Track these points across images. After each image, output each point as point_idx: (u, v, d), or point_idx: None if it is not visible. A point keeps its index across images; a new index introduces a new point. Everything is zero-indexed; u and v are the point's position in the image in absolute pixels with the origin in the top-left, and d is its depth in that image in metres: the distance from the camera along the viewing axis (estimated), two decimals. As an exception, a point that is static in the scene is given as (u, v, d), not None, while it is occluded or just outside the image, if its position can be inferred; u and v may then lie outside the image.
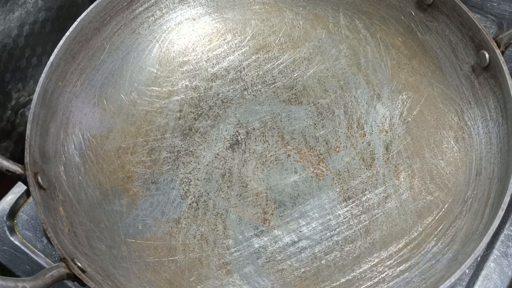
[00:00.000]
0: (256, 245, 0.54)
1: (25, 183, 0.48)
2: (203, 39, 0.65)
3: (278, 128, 0.60)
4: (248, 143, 0.59)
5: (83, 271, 0.45)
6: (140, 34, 0.63)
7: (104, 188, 0.56)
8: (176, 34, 0.65)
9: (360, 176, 0.57)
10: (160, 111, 0.61)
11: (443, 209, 0.54)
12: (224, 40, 0.65)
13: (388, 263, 0.52)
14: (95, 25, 0.58)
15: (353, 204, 0.55)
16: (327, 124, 0.60)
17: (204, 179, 0.57)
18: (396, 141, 0.58)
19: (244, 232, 0.54)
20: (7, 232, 0.58)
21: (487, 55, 0.53)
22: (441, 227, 0.52)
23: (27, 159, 0.48)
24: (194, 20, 0.65)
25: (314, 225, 0.54)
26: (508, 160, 0.50)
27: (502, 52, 0.53)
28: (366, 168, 0.57)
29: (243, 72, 0.64)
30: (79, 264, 0.45)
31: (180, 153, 0.59)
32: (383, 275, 0.51)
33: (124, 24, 0.61)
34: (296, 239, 0.54)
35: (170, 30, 0.64)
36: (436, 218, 0.53)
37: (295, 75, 0.63)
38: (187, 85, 0.63)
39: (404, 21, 0.62)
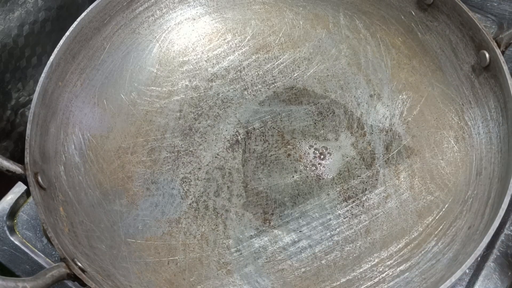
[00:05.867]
0: (256, 245, 0.54)
1: (25, 183, 0.48)
2: (203, 39, 0.65)
3: (278, 128, 0.60)
4: (248, 143, 0.59)
5: (83, 271, 0.45)
6: (140, 34, 0.63)
7: (104, 188, 0.56)
8: (176, 34, 0.65)
9: (360, 176, 0.57)
10: (160, 111, 0.61)
11: (444, 209, 0.54)
12: (224, 40, 0.65)
13: (389, 263, 0.52)
14: (95, 25, 0.58)
15: (353, 204, 0.55)
16: (327, 124, 0.60)
17: (204, 179, 0.57)
18: (396, 141, 0.58)
19: (244, 232, 0.54)
20: (7, 232, 0.58)
21: (487, 55, 0.53)
22: (441, 227, 0.52)
23: (27, 159, 0.48)
24: (194, 20, 0.65)
25: (314, 225, 0.54)
26: (508, 160, 0.50)
27: (502, 52, 0.53)
28: (366, 168, 0.57)
29: (243, 72, 0.64)
30: (79, 264, 0.45)
31: (180, 153, 0.59)
32: (384, 275, 0.51)
33: (124, 24, 0.61)
34: (296, 239, 0.54)
35: (170, 30, 0.64)
36: (437, 218, 0.53)
37: (295, 75, 0.63)
38: (187, 85, 0.63)
39: (404, 21, 0.62)
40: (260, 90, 0.62)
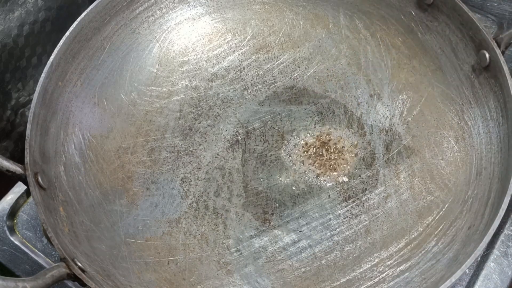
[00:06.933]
0: (256, 245, 0.54)
1: (25, 183, 0.48)
2: (203, 39, 0.65)
3: (278, 128, 0.60)
4: (248, 143, 0.59)
5: (83, 271, 0.45)
6: (140, 34, 0.63)
7: (104, 188, 0.56)
8: (176, 34, 0.65)
9: (360, 176, 0.57)
10: (160, 111, 0.61)
11: (444, 209, 0.54)
12: (224, 40, 0.65)
13: (389, 263, 0.52)
14: (95, 25, 0.58)
15: (353, 204, 0.55)
16: (327, 124, 0.60)
17: (204, 179, 0.57)
18: (396, 141, 0.58)
19: (244, 232, 0.54)
20: (7, 232, 0.58)
21: (487, 55, 0.53)
22: (441, 227, 0.52)
23: (27, 159, 0.48)
24: (194, 20, 0.65)
25: (314, 225, 0.54)
26: (508, 160, 0.50)
27: (502, 52, 0.53)
28: (366, 168, 0.57)
29: (243, 72, 0.64)
30: (79, 264, 0.45)
31: (180, 153, 0.59)
32: (384, 275, 0.51)
33: (124, 24, 0.61)
34: (296, 239, 0.54)
35: (170, 30, 0.64)
36: (437, 218, 0.53)
37: (295, 75, 0.63)
38: (187, 85, 0.63)
39: (404, 21, 0.62)
40: (260, 90, 0.62)
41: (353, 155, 0.58)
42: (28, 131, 0.50)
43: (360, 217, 0.55)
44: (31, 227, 0.58)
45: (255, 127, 0.60)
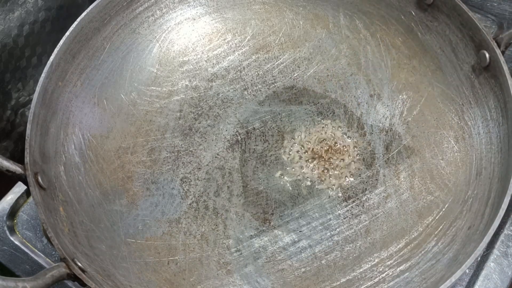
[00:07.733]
0: (256, 245, 0.54)
1: (25, 183, 0.48)
2: (203, 39, 0.65)
3: (278, 128, 0.60)
4: (248, 143, 0.59)
5: (83, 271, 0.45)
6: (140, 34, 0.63)
7: (104, 188, 0.56)
8: (176, 34, 0.65)
9: (360, 176, 0.57)
10: (160, 111, 0.61)
11: (444, 209, 0.54)
12: (224, 40, 0.65)
13: (389, 263, 0.52)
14: (95, 25, 0.58)
15: (353, 204, 0.55)
16: (327, 124, 0.60)
17: (204, 179, 0.57)
18: (396, 141, 0.58)
19: (244, 232, 0.54)
20: (7, 232, 0.58)
21: (487, 55, 0.53)
22: (441, 227, 0.52)
23: (27, 159, 0.48)
24: (194, 20, 0.65)
25: (314, 225, 0.54)
26: (508, 160, 0.50)
27: (502, 52, 0.53)
28: (366, 168, 0.57)
29: (243, 72, 0.64)
30: (79, 264, 0.45)
31: (180, 153, 0.59)
32: (384, 275, 0.51)
33: (124, 24, 0.61)
34: (296, 239, 0.54)
35: (170, 30, 0.64)
36: (437, 218, 0.53)
37: (295, 75, 0.63)
38: (187, 85, 0.63)
39: (404, 21, 0.62)
40: (260, 90, 0.62)
41: (353, 155, 0.58)
42: (28, 131, 0.50)
43: (360, 217, 0.55)
44: (31, 227, 0.58)
45: (255, 127, 0.60)
